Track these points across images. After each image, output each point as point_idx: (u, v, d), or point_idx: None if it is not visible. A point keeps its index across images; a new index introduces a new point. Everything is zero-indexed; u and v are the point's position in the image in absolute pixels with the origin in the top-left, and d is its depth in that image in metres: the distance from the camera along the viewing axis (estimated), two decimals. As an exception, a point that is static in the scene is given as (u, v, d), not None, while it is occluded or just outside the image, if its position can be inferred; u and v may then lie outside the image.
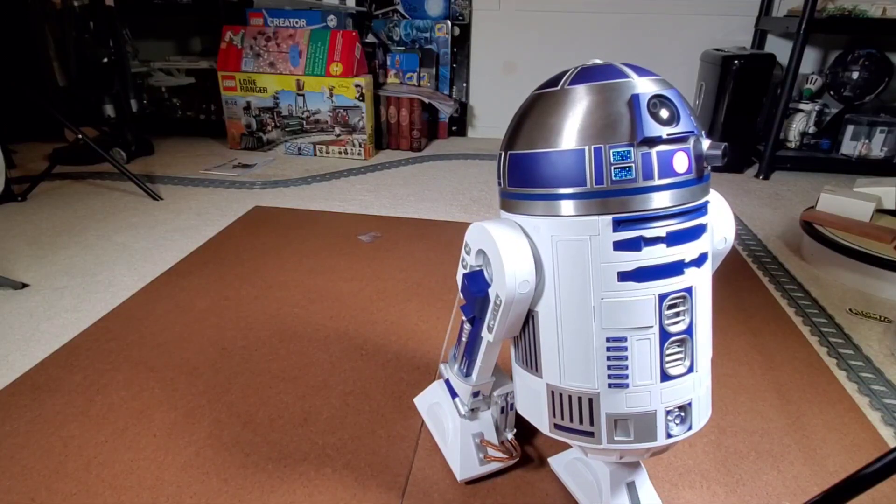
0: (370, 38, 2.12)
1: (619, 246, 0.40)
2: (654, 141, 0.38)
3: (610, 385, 0.43)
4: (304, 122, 1.92)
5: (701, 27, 2.03)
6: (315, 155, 1.95)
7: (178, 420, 0.70)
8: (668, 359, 0.42)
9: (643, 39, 2.07)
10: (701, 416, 0.45)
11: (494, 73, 2.21)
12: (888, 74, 1.81)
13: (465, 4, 2.12)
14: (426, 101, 2.00)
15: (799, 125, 1.92)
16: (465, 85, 2.23)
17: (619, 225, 0.40)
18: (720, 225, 0.46)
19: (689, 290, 0.42)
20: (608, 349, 0.42)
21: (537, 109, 0.42)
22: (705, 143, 0.40)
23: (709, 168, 0.42)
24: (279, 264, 1.12)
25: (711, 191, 0.45)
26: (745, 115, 1.79)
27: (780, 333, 0.92)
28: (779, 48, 1.92)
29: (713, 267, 0.46)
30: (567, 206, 0.41)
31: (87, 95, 1.80)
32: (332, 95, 1.86)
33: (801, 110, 1.91)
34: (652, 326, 0.41)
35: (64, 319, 0.92)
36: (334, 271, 1.10)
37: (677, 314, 0.42)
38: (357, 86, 1.84)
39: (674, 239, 0.40)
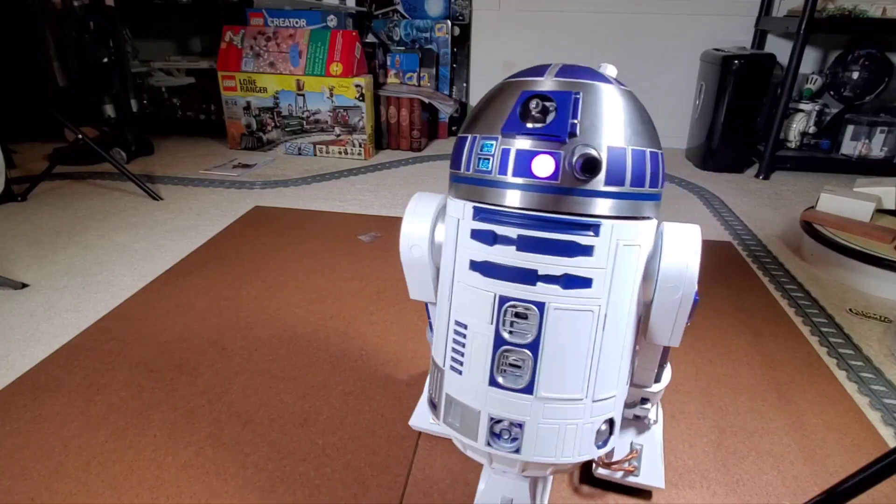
0: (370, 38, 2.12)
1: (475, 235, 0.40)
2: (513, 136, 0.38)
3: (451, 367, 0.44)
4: (304, 122, 1.92)
5: (701, 27, 2.02)
6: (315, 155, 1.95)
7: (178, 420, 0.70)
8: (499, 364, 0.41)
9: (643, 39, 2.06)
10: (539, 448, 0.42)
11: (494, 73, 2.21)
12: (888, 74, 1.81)
13: (465, 4, 2.12)
14: (426, 101, 2.00)
15: (799, 125, 1.92)
16: (465, 85, 2.23)
17: (477, 214, 0.40)
18: (671, 266, 0.40)
19: (539, 305, 0.39)
20: (454, 332, 0.43)
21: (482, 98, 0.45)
22: (583, 152, 0.37)
23: (628, 186, 0.38)
24: (279, 264, 1.12)
25: (681, 226, 0.42)
26: (745, 115, 1.79)
27: (780, 333, 0.92)
28: (779, 48, 1.92)
29: (667, 317, 0.42)
30: (452, 187, 0.44)
31: (87, 95, 1.80)
32: (332, 95, 1.86)
33: (802, 110, 1.91)
34: (490, 324, 0.41)
35: (64, 319, 0.92)
36: (334, 271, 1.10)
37: (518, 325, 0.40)
38: (357, 86, 1.84)
39: (525, 245, 0.38)
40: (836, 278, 1.12)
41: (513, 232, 0.39)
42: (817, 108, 1.90)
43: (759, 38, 2.00)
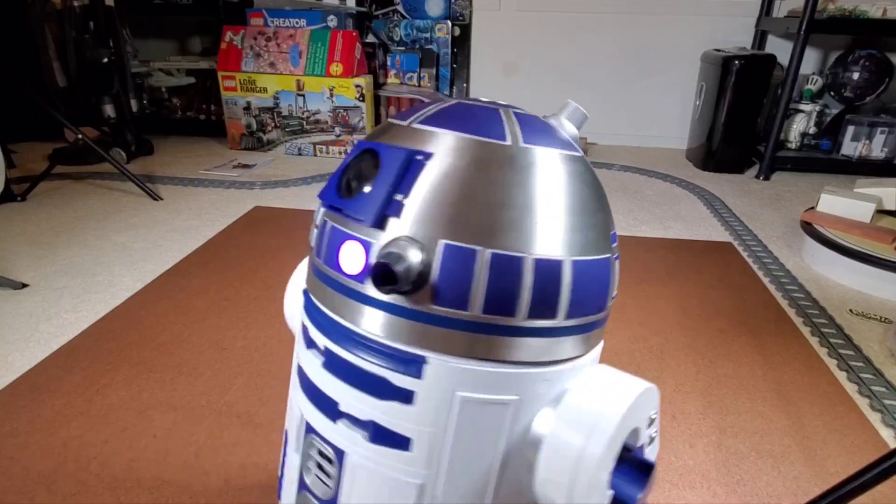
0: (370, 39, 2.12)
1: (303, 326, 0.30)
2: (330, 209, 0.27)
3: (280, 476, 0.35)
4: (305, 123, 1.92)
5: (701, 27, 2.02)
6: (315, 155, 1.95)
7: (178, 420, 0.70)
8: None
9: (643, 39, 2.06)
10: None
11: (495, 74, 2.21)
12: (889, 75, 1.81)
13: (465, 4, 2.12)
14: (426, 101, 2.00)
15: (799, 126, 1.92)
16: (465, 85, 2.23)
17: (306, 301, 0.31)
18: (548, 479, 0.25)
19: (338, 452, 0.27)
20: (286, 429, 0.34)
21: None
22: (385, 251, 0.24)
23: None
24: (279, 264, 1.12)
25: (604, 379, 0.26)
26: (745, 115, 1.79)
27: (781, 334, 0.92)
28: (779, 49, 1.92)
29: None
30: None
31: (87, 95, 1.80)
32: (332, 96, 1.86)
33: (802, 111, 1.91)
34: (296, 453, 0.30)
35: (64, 319, 0.92)
36: (334, 271, 1.10)
37: (319, 467, 0.29)
38: (357, 86, 1.84)
39: (331, 363, 0.27)
40: (836, 279, 1.12)
41: (321, 340, 0.28)
42: (818, 108, 1.90)
43: (760, 38, 2.00)
